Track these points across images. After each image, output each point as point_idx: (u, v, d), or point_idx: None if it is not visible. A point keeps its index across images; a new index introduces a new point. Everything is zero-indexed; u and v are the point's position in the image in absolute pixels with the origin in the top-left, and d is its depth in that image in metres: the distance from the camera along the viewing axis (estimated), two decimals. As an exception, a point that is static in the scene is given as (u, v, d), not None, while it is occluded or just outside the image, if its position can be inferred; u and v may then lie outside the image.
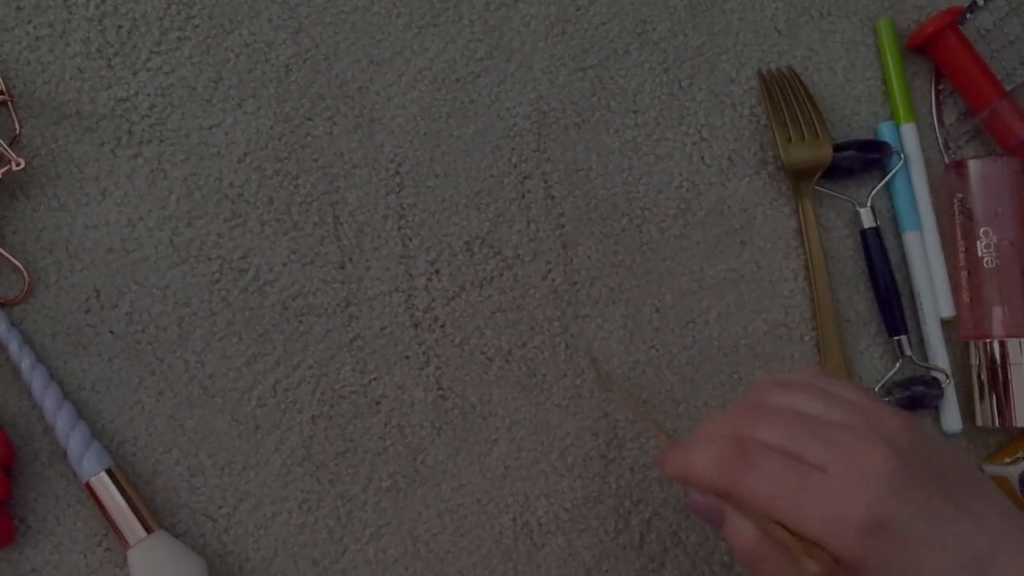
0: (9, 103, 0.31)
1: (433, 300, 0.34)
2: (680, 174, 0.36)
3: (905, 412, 0.24)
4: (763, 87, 0.37)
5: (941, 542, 0.21)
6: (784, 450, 0.22)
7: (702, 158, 0.36)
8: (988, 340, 0.35)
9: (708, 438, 0.23)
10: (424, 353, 0.33)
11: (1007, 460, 0.35)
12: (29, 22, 0.32)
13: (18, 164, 0.30)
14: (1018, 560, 0.21)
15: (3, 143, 0.31)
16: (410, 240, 0.34)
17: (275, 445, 0.32)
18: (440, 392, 0.33)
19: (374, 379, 0.33)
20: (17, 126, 0.31)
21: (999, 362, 0.35)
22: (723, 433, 0.23)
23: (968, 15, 0.38)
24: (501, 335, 0.34)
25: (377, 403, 0.33)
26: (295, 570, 0.31)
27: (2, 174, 0.30)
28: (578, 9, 0.36)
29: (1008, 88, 0.37)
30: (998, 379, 0.35)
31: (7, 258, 0.31)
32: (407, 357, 0.33)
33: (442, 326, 0.34)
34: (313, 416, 0.32)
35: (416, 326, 0.33)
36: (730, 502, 0.23)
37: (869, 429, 0.22)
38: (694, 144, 0.36)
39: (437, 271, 0.34)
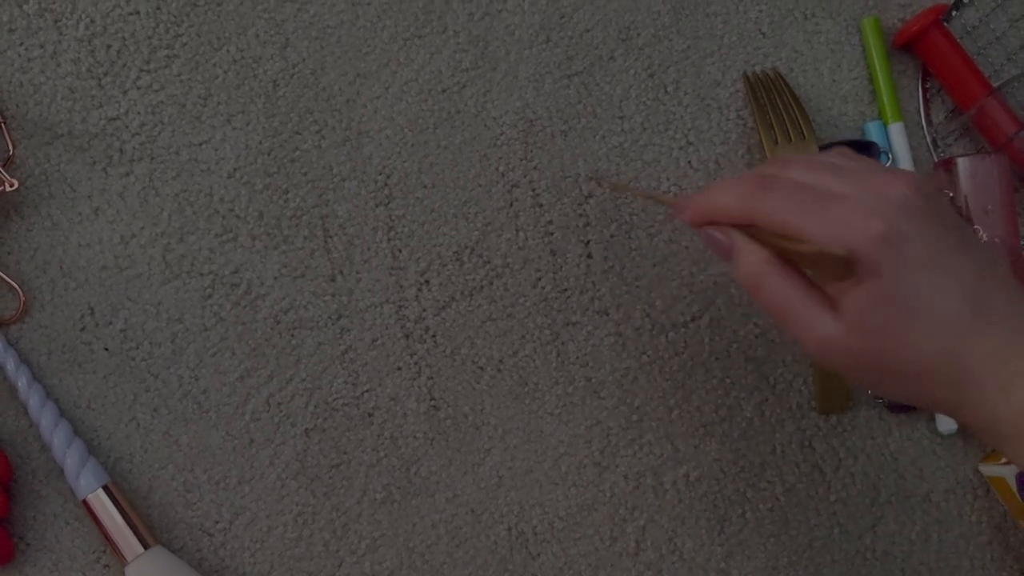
0: (2, 124, 0.32)
1: (424, 310, 0.34)
2: (668, 179, 0.36)
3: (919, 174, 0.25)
4: (748, 90, 0.37)
5: (942, 271, 0.22)
6: (808, 183, 0.23)
7: (689, 162, 0.36)
8: (981, 338, 0.35)
9: (729, 180, 0.25)
10: (416, 364, 0.33)
11: (1003, 460, 0.35)
12: (20, 44, 0.33)
13: (12, 185, 0.31)
14: (1013, 304, 0.22)
15: (-5, 165, 0.31)
16: (400, 251, 0.34)
17: (269, 459, 0.32)
18: (432, 402, 0.33)
19: (366, 391, 0.33)
20: (10, 147, 0.31)
21: (993, 360, 0.35)
22: (747, 174, 0.24)
23: (954, 12, 0.38)
24: (492, 344, 0.34)
25: (370, 415, 0.33)
26: (291, 582, 0.31)
27: (-5, 196, 0.31)
28: (562, 17, 0.36)
29: (995, 85, 0.37)
30: (993, 377, 0.35)
31: (2, 278, 0.31)
32: (399, 368, 0.33)
33: (433, 336, 0.34)
34: (307, 429, 0.32)
35: (407, 337, 0.34)
36: (748, 230, 0.24)
37: (890, 172, 0.23)
38: (681, 149, 0.36)
39: (427, 281, 0.34)
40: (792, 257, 0.23)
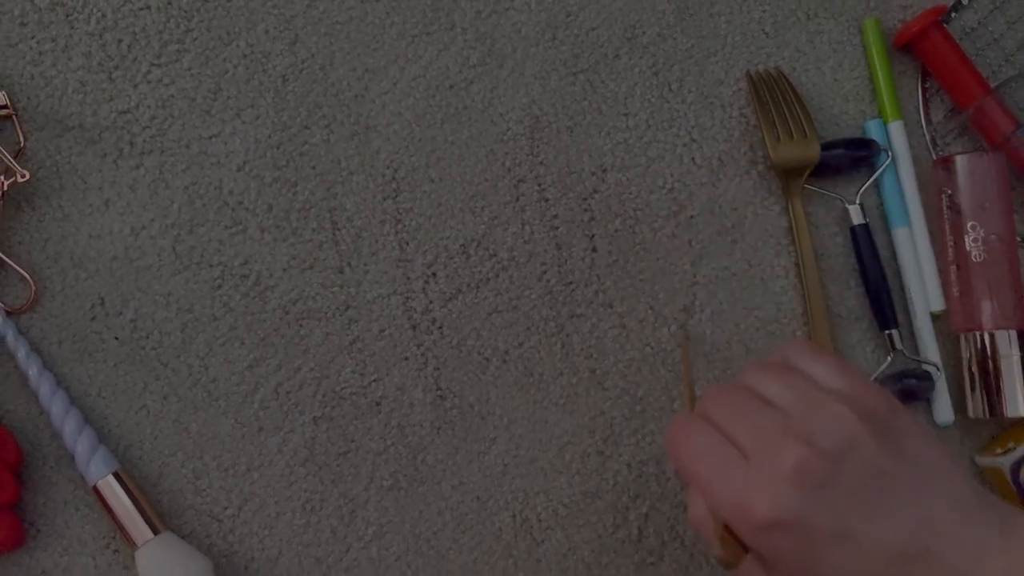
0: (14, 117, 0.32)
1: (431, 302, 0.34)
2: (671, 175, 0.37)
3: (878, 393, 0.23)
4: (751, 88, 0.37)
5: (856, 540, 0.21)
6: (721, 430, 0.23)
7: (692, 159, 0.37)
8: (978, 333, 0.36)
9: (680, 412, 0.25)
10: (423, 354, 0.34)
11: (999, 451, 0.36)
12: (32, 37, 0.33)
13: (23, 176, 0.31)
14: (961, 556, 0.20)
15: (8, 156, 0.31)
16: (407, 244, 0.34)
17: (278, 447, 0.32)
18: (439, 392, 0.34)
19: (374, 380, 0.33)
20: (22, 139, 0.32)
21: (989, 354, 0.35)
22: (690, 407, 0.25)
23: (953, 14, 0.39)
24: (498, 336, 0.34)
25: (377, 404, 0.33)
26: (299, 569, 0.32)
27: (8, 186, 0.31)
28: (568, 15, 0.37)
29: (993, 85, 0.38)
30: (988, 371, 0.35)
31: (14, 268, 0.32)
32: (406, 358, 0.34)
33: (440, 328, 0.34)
34: (315, 417, 0.33)
35: (414, 328, 0.34)
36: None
37: (802, 418, 0.22)
38: (684, 145, 0.37)
39: (434, 274, 0.35)
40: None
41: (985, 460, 0.36)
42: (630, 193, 0.36)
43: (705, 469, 0.23)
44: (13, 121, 0.32)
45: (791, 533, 0.21)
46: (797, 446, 0.21)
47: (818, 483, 0.21)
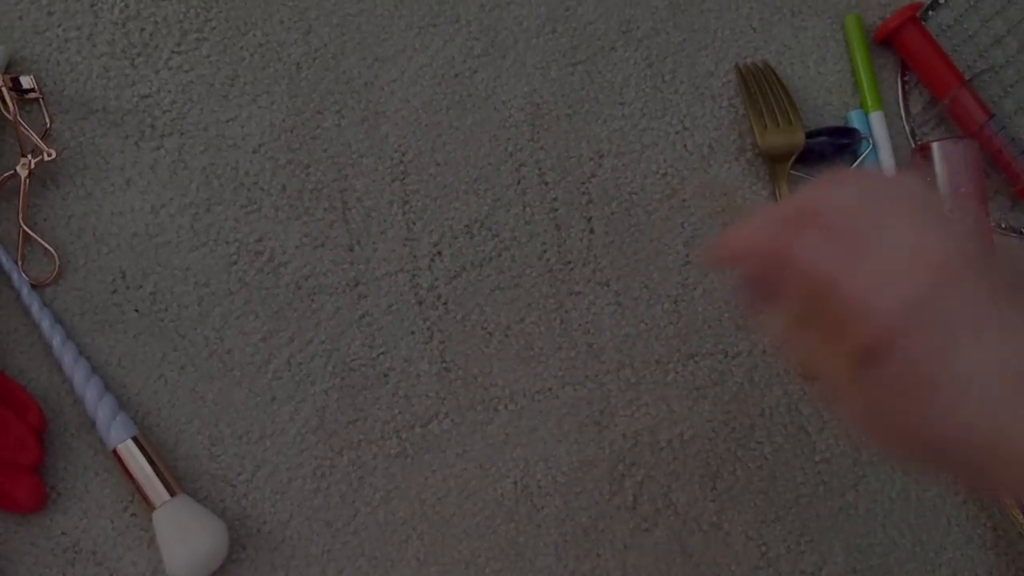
0: (41, 99, 0.34)
1: (436, 279, 0.36)
2: (665, 161, 0.39)
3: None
4: (740, 80, 0.39)
5: (984, 339, 0.19)
6: (844, 227, 0.21)
7: (685, 146, 0.39)
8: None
9: (766, 215, 0.22)
10: (428, 329, 0.35)
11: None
12: (59, 25, 0.35)
13: (49, 155, 0.33)
14: None
15: (35, 136, 0.33)
16: (414, 224, 0.36)
17: (290, 415, 0.34)
18: (444, 365, 0.35)
19: (382, 353, 0.35)
20: (48, 121, 0.33)
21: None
22: (785, 207, 0.22)
23: (930, 12, 0.41)
24: (500, 311, 0.36)
25: (385, 375, 0.35)
26: (310, 532, 0.33)
27: (35, 165, 0.33)
28: (567, 9, 0.39)
29: (967, 77, 0.40)
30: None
31: (39, 242, 0.33)
32: (412, 332, 0.35)
33: (445, 303, 0.36)
34: (325, 388, 0.34)
35: (420, 303, 0.36)
36: (779, 275, 0.21)
37: (929, 217, 0.20)
38: (677, 133, 0.39)
39: (439, 252, 0.36)
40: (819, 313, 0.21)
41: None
42: (626, 178, 0.38)
43: (837, 256, 0.20)
44: (40, 104, 0.34)
45: (932, 317, 0.19)
46: (942, 236, 0.20)
47: (959, 269, 0.19)
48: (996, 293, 0.20)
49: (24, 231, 0.33)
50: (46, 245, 0.33)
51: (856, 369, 0.20)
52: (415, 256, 0.36)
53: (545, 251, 0.37)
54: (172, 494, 0.31)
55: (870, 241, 0.20)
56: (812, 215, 0.21)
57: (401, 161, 0.37)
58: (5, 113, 0.33)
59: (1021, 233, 0.40)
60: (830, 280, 0.20)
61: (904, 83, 0.41)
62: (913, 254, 0.20)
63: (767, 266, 0.22)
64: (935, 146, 0.39)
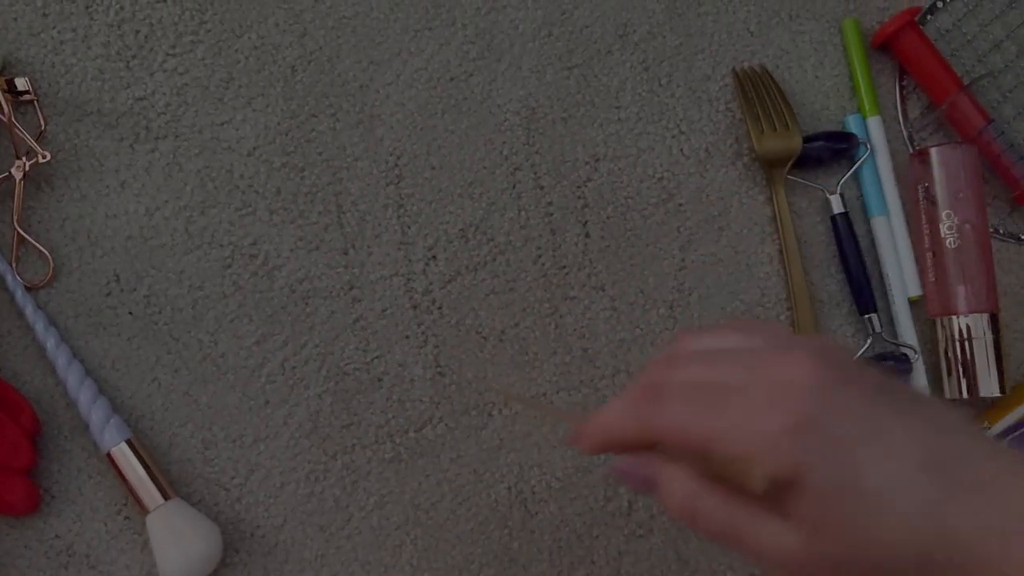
0: (35, 102, 0.34)
1: (431, 283, 0.36)
2: (661, 165, 0.38)
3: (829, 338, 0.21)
4: (737, 84, 0.39)
5: (885, 441, 0.18)
6: (702, 381, 0.20)
7: (681, 150, 0.39)
8: (953, 317, 0.37)
9: (618, 397, 0.21)
10: (423, 333, 0.35)
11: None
12: (54, 27, 0.35)
13: (44, 157, 0.33)
14: (977, 458, 0.18)
15: (30, 138, 0.33)
16: (409, 228, 0.36)
17: (284, 419, 0.34)
18: (438, 369, 0.35)
19: (376, 357, 0.35)
20: (42, 123, 0.33)
21: (964, 337, 0.37)
22: (634, 385, 0.21)
23: (928, 16, 0.41)
24: (495, 316, 0.36)
25: (379, 380, 0.35)
26: (303, 536, 0.33)
27: (29, 167, 0.33)
28: (563, 13, 0.39)
29: (966, 82, 0.40)
30: (964, 353, 0.37)
31: (33, 245, 0.33)
32: (407, 337, 0.35)
33: (439, 308, 0.36)
34: (319, 392, 0.34)
35: (415, 308, 0.35)
36: (653, 449, 0.20)
37: (791, 344, 0.20)
38: (673, 137, 0.39)
39: (434, 256, 0.36)
40: (718, 474, 0.19)
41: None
42: (621, 182, 0.38)
43: (703, 412, 0.19)
44: (35, 106, 0.34)
45: (819, 435, 0.18)
46: (806, 358, 0.19)
47: (840, 386, 0.19)
48: (880, 394, 0.19)
49: (18, 233, 0.33)
50: (40, 248, 0.33)
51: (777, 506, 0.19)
52: (410, 260, 0.36)
53: (540, 255, 0.37)
54: (166, 498, 0.31)
55: (731, 387, 0.19)
56: (660, 384, 0.20)
57: (396, 165, 0.36)
58: (0, 115, 0.33)
59: (1019, 239, 0.40)
60: (706, 441, 0.19)
61: (902, 88, 0.41)
62: (781, 383, 0.19)
63: (639, 446, 0.21)
64: (933, 151, 0.38)
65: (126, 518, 0.32)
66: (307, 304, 0.35)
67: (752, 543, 0.20)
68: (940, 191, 0.38)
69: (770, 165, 0.39)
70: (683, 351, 0.21)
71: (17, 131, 0.33)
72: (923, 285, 0.39)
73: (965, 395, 0.37)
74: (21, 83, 0.33)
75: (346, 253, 0.35)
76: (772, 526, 0.19)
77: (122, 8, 0.35)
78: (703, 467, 0.20)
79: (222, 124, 0.35)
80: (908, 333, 0.38)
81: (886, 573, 0.19)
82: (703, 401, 0.19)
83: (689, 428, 0.19)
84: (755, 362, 0.20)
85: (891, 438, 0.18)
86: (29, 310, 0.32)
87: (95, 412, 0.31)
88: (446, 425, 0.35)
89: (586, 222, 0.37)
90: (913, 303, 0.39)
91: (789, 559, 0.19)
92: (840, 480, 0.18)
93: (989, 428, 0.37)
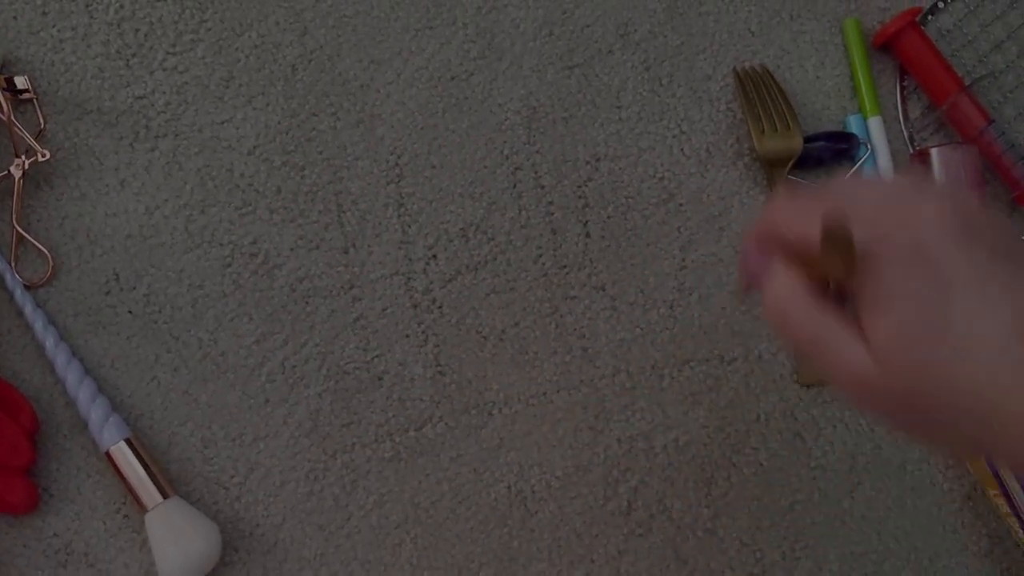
0: (35, 100, 0.33)
1: (431, 283, 0.36)
2: (662, 165, 0.38)
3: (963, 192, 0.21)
4: (738, 84, 0.39)
5: (986, 302, 0.19)
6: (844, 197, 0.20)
7: (682, 150, 0.39)
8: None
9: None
10: (423, 332, 0.35)
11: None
12: (53, 26, 0.35)
13: (43, 156, 0.33)
14: None
15: (29, 136, 0.33)
16: (409, 227, 0.36)
17: (283, 418, 0.34)
18: (438, 368, 0.35)
19: (376, 356, 0.35)
20: (42, 121, 0.33)
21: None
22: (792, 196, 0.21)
23: (929, 17, 0.41)
24: (495, 315, 0.36)
25: (379, 378, 0.35)
26: (302, 535, 0.33)
27: (29, 165, 0.33)
28: (564, 12, 0.39)
29: (967, 82, 0.40)
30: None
31: (33, 243, 0.33)
32: (407, 336, 0.35)
33: (440, 307, 0.36)
34: (319, 391, 0.34)
35: (415, 307, 0.35)
36: (787, 235, 0.21)
37: (928, 190, 0.20)
38: (674, 137, 0.39)
39: (435, 256, 0.36)
40: (819, 272, 0.20)
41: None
42: (622, 181, 0.38)
43: (842, 197, 0.20)
44: (35, 104, 0.33)
45: (929, 270, 0.19)
46: (936, 199, 0.20)
47: (964, 235, 0.19)
48: (995, 254, 0.19)
49: (18, 232, 0.33)
50: (40, 246, 0.33)
51: (853, 269, 0.19)
52: (410, 259, 0.36)
53: (541, 255, 0.37)
54: (165, 496, 0.31)
55: (864, 203, 0.20)
56: (816, 194, 0.21)
57: (397, 164, 0.36)
58: (0, 114, 0.33)
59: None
60: (829, 221, 0.19)
61: (903, 88, 0.41)
62: (910, 211, 0.19)
63: (782, 239, 0.21)
64: (934, 152, 0.38)
65: (125, 516, 0.32)
66: (307, 303, 0.35)
67: (831, 357, 0.20)
68: (941, 191, 0.38)
69: (771, 165, 0.39)
70: (833, 185, 0.21)
71: (16, 129, 0.33)
72: (923, 285, 0.39)
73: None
74: (21, 81, 0.33)
75: (346, 252, 0.35)
76: (854, 346, 0.20)
77: (122, 7, 0.35)
78: (814, 273, 0.20)
79: (222, 123, 0.35)
80: (908, 333, 0.38)
81: (936, 417, 0.19)
82: (848, 193, 0.20)
83: (814, 229, 0.19)
84: (890, 193, 0.20)
85: (997, 299, 0.19)
86: (28, 309, 0.32)
87: (94, 411, 0.31)
88: (446, 424, 0.35)
89: (587, 222, 0.37)
90: (913, 303, 0.39)
91: (859, 381, 0.20)
92: (931, 315, 0.19)
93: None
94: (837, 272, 0.20)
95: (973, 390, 0.19)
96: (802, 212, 0.21)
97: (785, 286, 0.21)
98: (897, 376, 0.19)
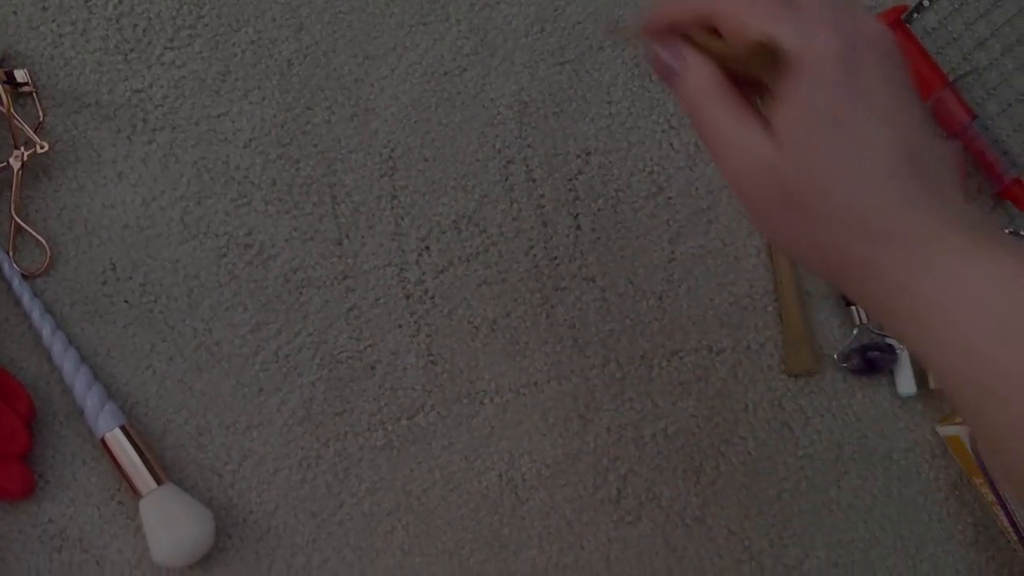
0: (34, 93, 0.34)
1: (424, 274, 0.36)
2: (651, 159, 0.39)
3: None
4: (726, 79, 0.40)
5: (894, 116, 0.20)
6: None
7: (671, 144, 0.39)
8: (938, 310, 0.38)
9: None
10: (415, 322, 0.36)
11: (958, 420, 0.38)
12: (53, 21, 0.35)
13: (42, 148, 0.33)
14: (945, 178, 0.20)
15: (29, 129, 0.33)
16: (402, 219, 0.37)
17: (277, 406, 0.34)
18: (431, 358, 0.36)
19: (369, 346, 0.35)
20: (41, 114, 0.34)
21: (949, 330, 0.38)
22: None
23: (915, 15, 0.42)
24: (487, 306, 0.36)
25: (372, 368, 0.35)
26: (295, 522, 0.33)
27: (27, 157, 0.33)
28: (555, 9, 0.39)
29: (951, 79, 0.40)
30: (949, 346, 0.37)
31: (31, 234, 0.34)
32: (400, 326, 0.36)
33: (432, 297, 0.36)
34: (312, 380, 0.35)
35: (408, 297, 0.36)
36: (701, 33, 0.22)
37: (871, 15, 0.21)
38: (664, 132, 0.39)
39: (427, 247, 0.37)
40: (732, 64, 0.21)
41: (946, 429, 0.38)
42: (612, 175, 0.39)
43: (763, 10, 0.20)
44: (34, 97, 0.34)
45: (844, 73, 0.20)
46: (877, 22, 0.21)
47: (887, 57, 0.20)
48: (908, 88, 0.20)
49: (16, 222, 0.33)
50: (37, 236, 0.34)
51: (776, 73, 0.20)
52: (403, 250, 0.36)
53: (532, 247, 0.37)
54: (159, 483, 0.31)
55: (803, 4, 0.20)
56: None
57: (390, 157, 0.37)
58: (0, 106, 0.33)
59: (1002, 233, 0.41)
60: (754, 31, 0.20)
61: (889, 84, 0.42)
62: (848, 21, 0.20)
63: (689, 21, 0.22)
64: (918, 146, 0.39)
65: (119, 503, 0.32)
66: (301, 293, 0.35)
67: (733, 147, 0.21)
68: (925, 185, 0.39)
69: (758, 159, 0.39)
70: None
71: (16, 122, 0.33)
72: (909, 278, 0.39)
73: (950, 386, 0.37)
74: (20, 75, 0.34)
75: (340, 243, 0.36)
76: (759, 133, 0.21)
77: (121, 2, 0.36)
78: (726, 57, 0.21)
79: (218, 116, 0.36)
80: (894, 325, 0.39)
81: (817, 215, 0.20)
82: (774, 5, 0.20)
83: (749, 20, 0.20)
84: (834, 3, 0.20)
85: (898, 119, 0.20)
86: (26, 298, 0.33)
87: (90, 398, 0.32)
88: (438, 413, 0.35)
89: (577, 214, 0.38)
90: (899, 296, 0.39)
91: (755, 162, 0.21)
92: (838, 113, 0.19)
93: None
94: (760, 71, 0.20)
95: (858, 197, 0.20)
96: (742, 6, 0.21)
97: (701, 76, 0.21)
98: (790, 160, 0.20)
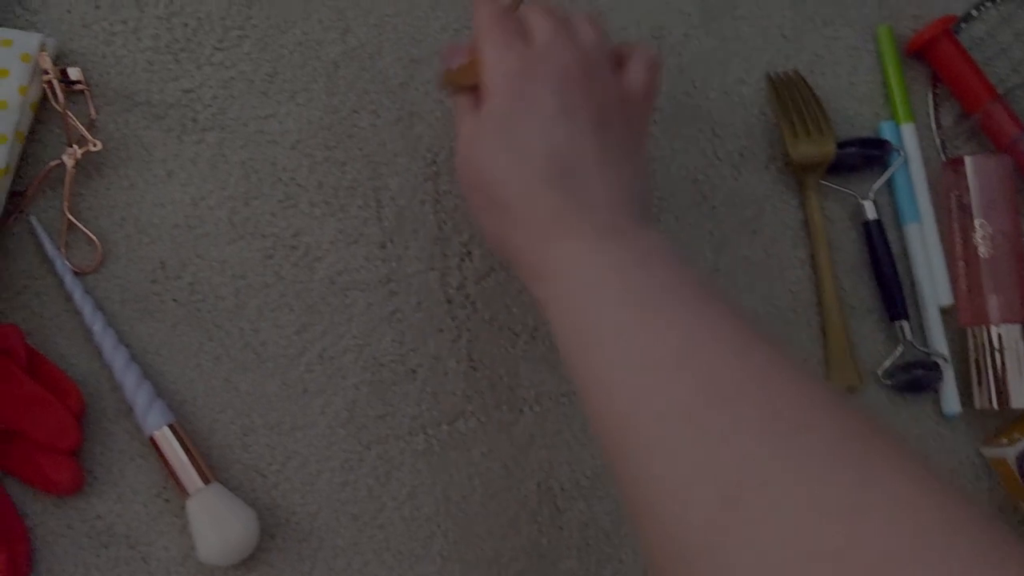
0: (87, 91, 0.34)
1: (465, 279, 0.36)
2: (695, 168, 0.39)
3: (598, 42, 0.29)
4: (771, 88, 0.40)
5: (551, 127, 0.26)
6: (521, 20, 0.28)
7: (715, 153, 0.39)
8: (985, 326, 0.37)
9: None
10: (457, 327, 0.36)
11: (1004, 441, 0.37)
12: (105, 20, 0.36)
13: (95, 146, 0.33)
14: (592, 181, 0.26)
15: (81, 127, 0.34)
16: (445, 223, 0.37)
17: (321, 408, 0.34)
18: (471, 363, 0.36)
19: (411, 350, 0.35)
20: (93, 112, 0.34)
21: (995, 347, 0.37)
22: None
23: (963, 24, 0.41)
24: (527, 313, 0.36)
25: (414, 372, 0.35)
26: (337, 524, 0.34)
27: (80, 155, 0.34)
28: (599, 15, 0.39)
29: (1000, 91, 0.40)
30: (995, 364, 0.37)
31: (83, 231, 0.34)
32: (441, 331, 0.36)
33: (473, 303, 0.36)
34: (356, 382, 0.35)
35: (450, 302, 0.36)
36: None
37: (575, 39, 0.28)
38: (707, 140, 0.39)
39: (469, 252, 0.37)
40: (475, 78, 0.28)
41: (990, 451, 0.38)
42: (656, 183, 0.38)
43: (495, 31, 0.28)
44: (86, 95, 0.34)
45: (515, 89, 0.26)
46: (570, 50, 0.27)
47: (571, 80, 0.26)
48: (599, 129, 0.27)
49: (68, 219, 0.34)
50: (89, 234, 0.34)
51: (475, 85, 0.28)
52: (445, 255, 0.36)
53: (574, 254, 0.37)
54: (206, 482, 0.32)
55: (531, 30, 0.28)
56: (503, 8, 0.28)
57: (434, 161, 0.37)
58: (54, 103, 0.33)
59: (1051, 249, 0.40)
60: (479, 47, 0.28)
61: (935, 95, 0.41)
62: (543, 51, 0.27)
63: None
64: (968, 160, 0.38)
65: (166, 500, 0.33)
66: (346, 296, 0.35)
67: (460, 125, 0.28)
68: (974, 200, 0.38)
69: (803, 170, 0.39)
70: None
71: (69, 119, 0.34)
72: (954, 294, 0.39)
73: (995, 406, 0.37)
74: (74, 73, 0.34)
75: (384, 247, 0.36)
76: (473, 120, 0.27)
77: (171, 2, 0.36)
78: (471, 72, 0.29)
79: (266, 117, 0.36)
80: (939, 341, 0.39)
81: (493, 203, 0.27)
82: (507, 28, 0.27)
83: (480, 36, 0.28)
84: (556, 35, 0.27)
85: (554, 131, 0.26)
86: (77, 295, 0.33)
87: (139, 396, 0.32)
88: (478, 419, 0.35)
89: (620, 222, 0.38)
90: (944, 311, 0.39)
91: (465, 141, 0.28)
92: (501, 122, 0.26)
93: (1020, 439, 0.37)
94: (476, 77, 0.28)
95: (513, 191, 0.26)
96: (483, 31, 0.28)
97: (455, 74, 0.30)
98: (471, 151, 0.27)
